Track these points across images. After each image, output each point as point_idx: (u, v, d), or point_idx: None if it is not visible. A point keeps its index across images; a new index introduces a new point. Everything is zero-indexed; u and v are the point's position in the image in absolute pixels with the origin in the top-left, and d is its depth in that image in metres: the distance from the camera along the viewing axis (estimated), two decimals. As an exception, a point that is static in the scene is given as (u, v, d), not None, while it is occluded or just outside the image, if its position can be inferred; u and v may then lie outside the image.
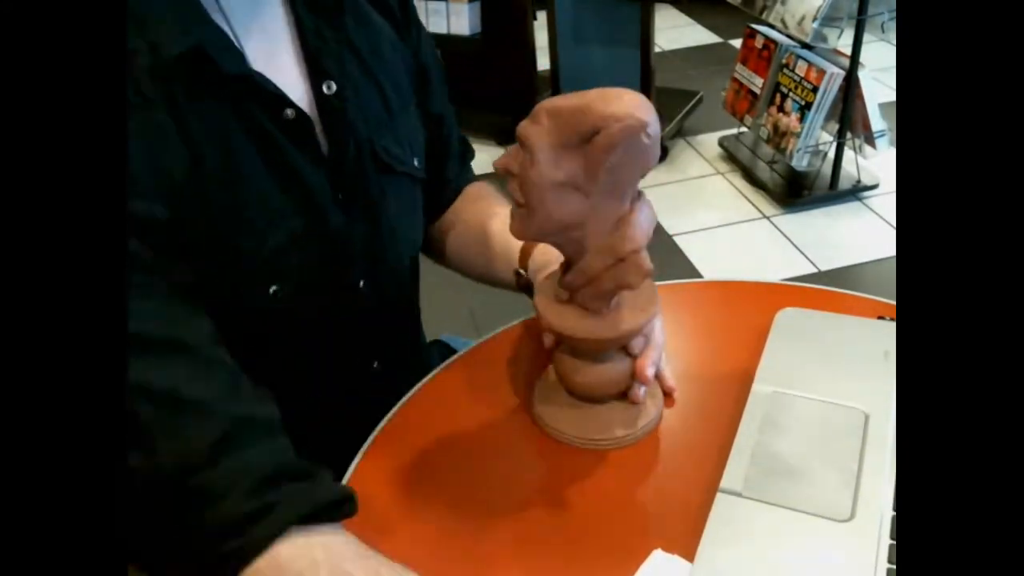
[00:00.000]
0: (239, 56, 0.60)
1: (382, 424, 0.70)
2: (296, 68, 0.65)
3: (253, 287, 0.63)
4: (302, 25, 0.65)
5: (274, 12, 0.65)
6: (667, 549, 0.57)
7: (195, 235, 0.59)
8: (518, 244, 0.76)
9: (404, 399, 0.73)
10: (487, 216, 0.81)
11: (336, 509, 0.52)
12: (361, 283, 0.72)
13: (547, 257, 0.70)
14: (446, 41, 2.79)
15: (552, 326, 0.62)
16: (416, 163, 0.76)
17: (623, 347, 0.64)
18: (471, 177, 0.91)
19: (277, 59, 0.64)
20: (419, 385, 0.75)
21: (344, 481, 0.63)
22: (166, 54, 0.57)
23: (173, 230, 0.58)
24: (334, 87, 0.65)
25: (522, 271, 0.75)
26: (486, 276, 0.82)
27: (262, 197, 0.62)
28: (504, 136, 2.92)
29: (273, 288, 0.64)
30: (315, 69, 0.65)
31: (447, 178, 0.87)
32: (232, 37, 0.61)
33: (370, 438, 0.68)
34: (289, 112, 0.62)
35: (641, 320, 0.61)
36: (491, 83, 2.94)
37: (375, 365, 0.77)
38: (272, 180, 0.63)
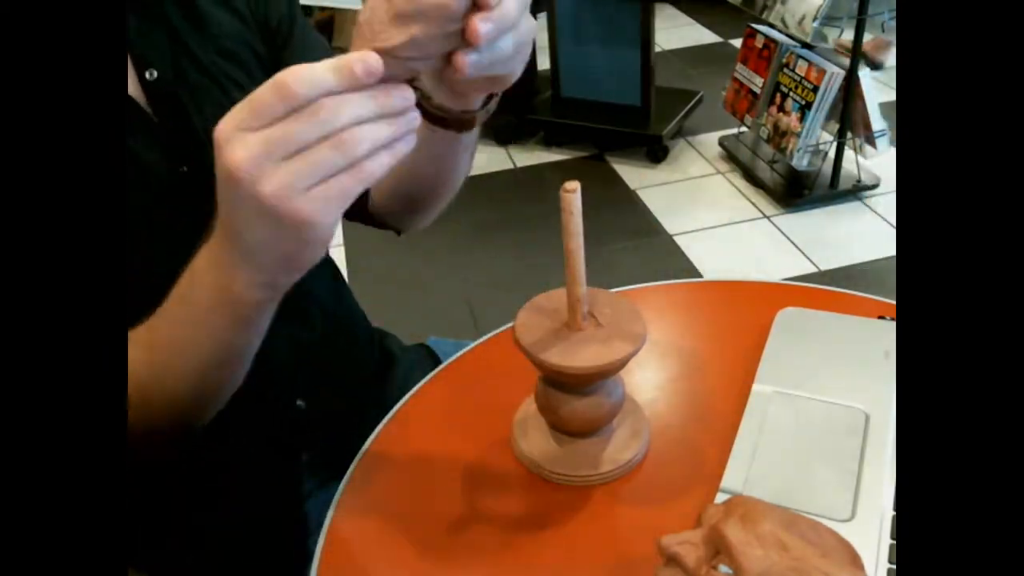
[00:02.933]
0: None
1: (358, 457, 0.68)
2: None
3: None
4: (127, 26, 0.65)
5: None
6: (667, 549, 0.57)
7: None
8: None
9: (381, 425, 0.71)
10: None
11: None
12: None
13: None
14: (446, 41, 2.79)
15: (536, 359, 0.59)
16: None
17: (600, 375, 0.60)
18: None
19: None
20: (397, 407, 0.73)
21: (323, 531, 0.61)
22: None
23: None
24: (155, 74, 0.65)
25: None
26: (417, 166, 0.69)
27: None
28: (504, 136, 2.92)
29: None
30: (137, 59, 0.64)
31: None
32: None
33: (346, 475, 0.66)
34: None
35: (629, 350, 0.58)
36: (491, 83, 2.94)
37: (298, 403, 0.76)
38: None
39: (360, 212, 0.79)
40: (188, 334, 0.54)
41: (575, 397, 0.62)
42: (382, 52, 0.45)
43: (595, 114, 2.78)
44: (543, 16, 2.81)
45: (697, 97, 2.92)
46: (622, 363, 0.58)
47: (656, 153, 2.74)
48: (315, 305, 0.79)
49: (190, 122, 0.66)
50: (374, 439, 0.70)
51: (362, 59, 0.43)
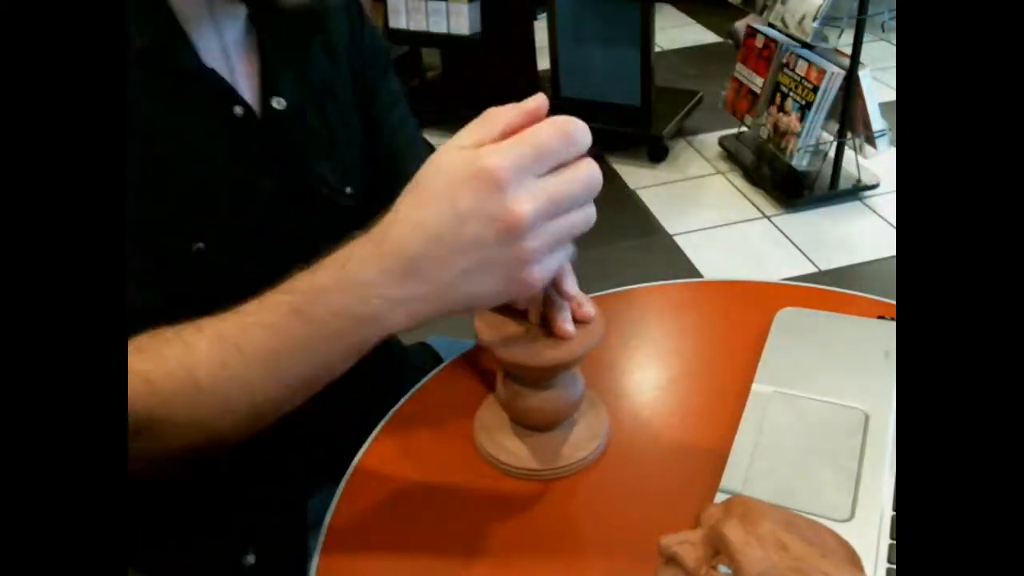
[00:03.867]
0: (195, 55, 0.63)
1: (357, 457, 0.68)
2: (247, 80, 0.68)
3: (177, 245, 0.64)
4: (264, 46, 0.68)
5: (237, 32, 0.68)
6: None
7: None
8: None
9: (380, 424, 0.71)
10: None
11: None
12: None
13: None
14: (446, 41, 2.80)
15: (496, 354, 0.59)
16: (348, 191, 0.76)
17: (562, 364, 0.59)
18: None
19: (231, 66, 0.67)
20: (397, 406, 0.73)
21: (323, 531, 0.61)
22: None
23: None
24: (283, 103, 0.67)
25: None
26: None
27: (200, 177, 0.64)
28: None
29: (199, 245, 0.64)
30: (268, 84, 0.68)
31: None
32: (189, 38, 0.63)
33: (346, 475, 0.66)
34: (238, 109, 0.65)
35: (589, 342, 0.58)
36: (491, 83, 2.94)
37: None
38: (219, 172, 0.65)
39: None
40: (290, 349, 0.50)
41: (536, 390, 0.62)
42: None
43: (595, 114, 2.78)
44: (543, 16, 2.81)
45: (697, 97, 2.92)
46: (579, 357, 0.58)
47: (656, 153, 2.74)
48: None
49: (297, 153, 0.70)
50: (374, 439, 0.70)
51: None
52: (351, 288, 0.47)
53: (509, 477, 0.64)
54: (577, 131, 0.43)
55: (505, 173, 0.42)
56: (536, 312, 0.59)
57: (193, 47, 0.63)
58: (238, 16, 0.68)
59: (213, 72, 0.64)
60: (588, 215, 0.45)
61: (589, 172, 0.44)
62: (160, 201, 0.63)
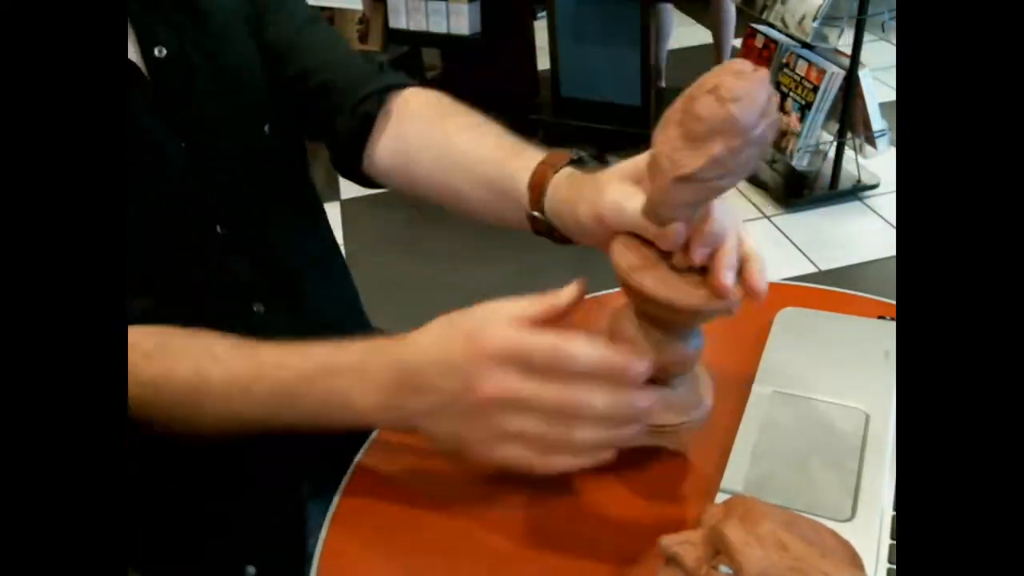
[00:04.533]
0: None
1: (357, 458, 0.68)
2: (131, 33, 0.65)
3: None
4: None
5: None
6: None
7: None
8: (520, 173, 0.65)
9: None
10: (461, 141, 0.72)
11: None
12: (218, 228, 0.71)
13: (566, 193, 0.61)
14: (446, 41, 2.80)
15: (654, 294, 0.52)
16: (266, 129, 0.74)
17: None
18: (399, 82, 0.77)
19: None
20: None
21: (322, 533, 0.61)
22: None
23: None
24: (165, 51, 0.65)
25: (538, 214, 0.65)
26: (486, 215, 0.71)
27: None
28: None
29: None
30: (142, 37, 0.65)
31: (348, 100, 0.76)
32: None
33: (346, 476, 0.66)
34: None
35: (740, 293, 0.53)
36: (491, 83, 2.94)
37: (255, 308, 0.76)
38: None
39: (354, 172, 0.79)
40: (291, 403, 0.56)
41: (675, 340, 0.55)
42: (686, 178, 0.48)
43: (595, 114, 2.78)
44: (543, 16, 2.81)
45: (697, 97, 2.92)
46: (736, 304, 0.53)
47: (656, 153, 2.74)
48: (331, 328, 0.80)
49: (190, 99, 0.67)
50: (373, 440, 0.70)
51: (633, 366, 0.47)
52: (350, 403, 0.54)
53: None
54: (570, 358, 0.47)
55: (487, 351, 0.48)
56: (681, 257, 0.53)
57: None
58: None
59: None
60: (584, 438, 0.48)
61: (579, 399, 0.47)
62: None
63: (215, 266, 0.71)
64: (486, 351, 0.48)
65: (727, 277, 0.51)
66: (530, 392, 0.47)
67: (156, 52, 0.65)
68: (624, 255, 0.54)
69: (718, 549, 0.42)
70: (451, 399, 0.50)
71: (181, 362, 0.58)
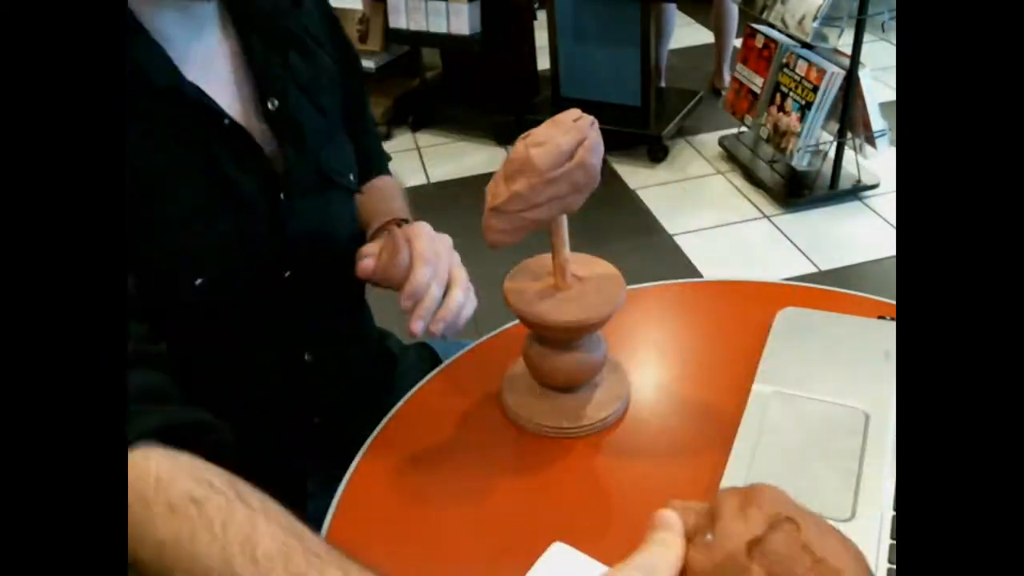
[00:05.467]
0: (173, 71, 0.62)
1: (368, 441, 0.70)
2: (234, 87, 0.68)
3: (177, 280, 0.64)
4: (251, 51, 0.69)
5: (213, 37, 0.68)
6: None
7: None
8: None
9: (380, 425, 0.72)
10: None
11: (189, 431, 0.51)
12: (287, 273, 0.72)
13: None
14: (446, 41, 2.80)
15: (524, 315, 0.64)
16: (352, 177, 0.79)
17: (574, 331, 0.65)
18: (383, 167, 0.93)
19: (214, 77, 0.67)
20: (397, 407, 0.74)
21: (324, 532, 0.62)
22: None
23: None
24: (277, 103, 0.69)
25: None
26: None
27: (192, 198, 0.64)
28: (504, 136, 2.92)
29: (199, 280, 0.65)
30: (261, 88, 0.69)
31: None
32: (168, 55, 0.62)
33: (346, 475, 0.67)
34: (226, 122, 0.65)
35: (612, 305, 0.63)
36: (491, 83, 2.94)
37: (306, 357, 0.77)
38: (204, 183, 0.64)
39: None
40: None
41: (560, 352, 0.66)
42: (496, 209, 0.59)
43: (595, 114, 2.76)
44: (543, 15, 2.81)
45: (697, 97, 2.92)
46: (603, 319, 0.64)
47: (656, 153, 2.74)
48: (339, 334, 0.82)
49: (302, 150, 0.70)
50: (374, 439, 0.70)
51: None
52: None
53: (533, 437, 0.68)
54: None
55: None
56: (561, 276, 0.65)
57: (174, 66, 0.62)
58: (212, 18, 0.67)
59: (194, 87, 0.63)
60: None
61: None
62: (148, 236, 0.61)
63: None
64: None
65: (416, 326, 0.62)
66: None
67: (269, 105, 0.69)
68: (512, 293, 0.65)
69: (713, 522, 0.41)
70: None
71: (209, 546, 0.45)
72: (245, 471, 0.75)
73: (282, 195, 0.69)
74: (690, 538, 0.42)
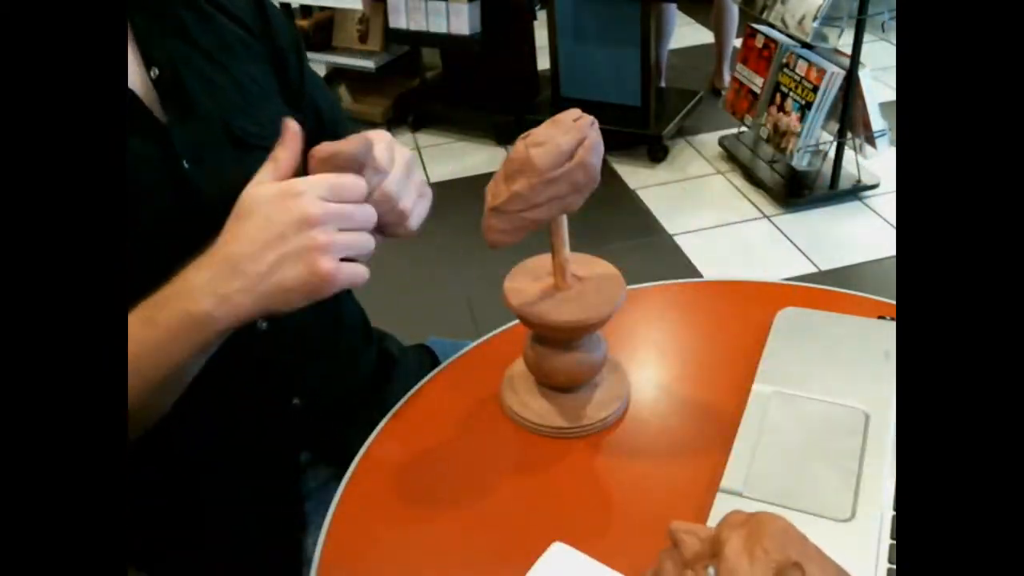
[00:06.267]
0: None
1: (368, 441, 0.69)
2: (132, 57, 0.68)
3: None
4: (133, 23, 0.68)
5: None
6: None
7: None
8: None
9: (380, 425, 0.72)
10: None
11: None
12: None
13: None
14: (446, 41, 2.80)
15: (525, 315, 0.64)
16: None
17: (581, 329, 0.65)
18: None
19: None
20: (397, 407, 0.74)
21: (323, 531, 0.62)
22: None
23: None
24: (157, 72, 0.68)
25: None
26: None
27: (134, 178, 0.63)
28: (504, 136, 2.92)
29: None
30: (145, 57, 0.68)
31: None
32: None
33: (346, 475, 0.67)
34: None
35: (611, 305, 0.64)
36: (491, 83, 2.94)
37: (262, 326, 0.75)
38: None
39: None
40: (146, 353, 0.56)
41: (560, 352, 0.67)
42: (496, 209, 0.59)
43: (595, 114, 2.76)
44: (543, 15, 2.81)
45: (697, 97, 2.92)
46: (603, 319, 0.64)
47: (656, 153, 2.74)
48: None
49: (195, 114, 0.69)
50: (374, 439, 0.70)
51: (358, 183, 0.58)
52: (187, 293, 0.56)
53: (533, 437, 0.68)
54: (344, 187, 0.57)
55: (303, 186, 0.56)
56: (561, 276, 0.65)
57: None
58: None
59: None
60: (366, 241, 0.58)
61: (364, 211, 0.58)
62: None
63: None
64: (296, 188, 0.55)
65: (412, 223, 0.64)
66: (345, 209, 0.56)
67: (151, 73, 0.68)
68: (512, 294, 0.65)
69: (716, 552, 0.41)
70: (286, 238, 0.55)
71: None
72: (237, 469, 0.75)
73: (184, 162, 0.68)
74: (690, 565, 0.42)
